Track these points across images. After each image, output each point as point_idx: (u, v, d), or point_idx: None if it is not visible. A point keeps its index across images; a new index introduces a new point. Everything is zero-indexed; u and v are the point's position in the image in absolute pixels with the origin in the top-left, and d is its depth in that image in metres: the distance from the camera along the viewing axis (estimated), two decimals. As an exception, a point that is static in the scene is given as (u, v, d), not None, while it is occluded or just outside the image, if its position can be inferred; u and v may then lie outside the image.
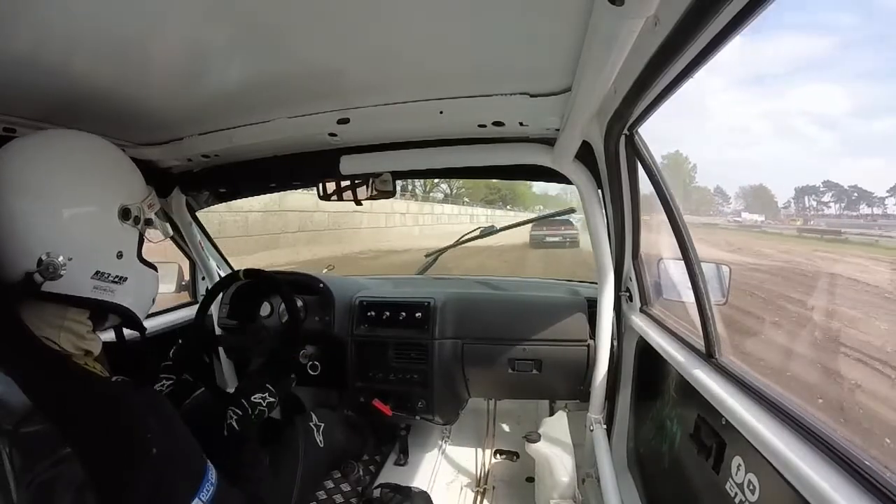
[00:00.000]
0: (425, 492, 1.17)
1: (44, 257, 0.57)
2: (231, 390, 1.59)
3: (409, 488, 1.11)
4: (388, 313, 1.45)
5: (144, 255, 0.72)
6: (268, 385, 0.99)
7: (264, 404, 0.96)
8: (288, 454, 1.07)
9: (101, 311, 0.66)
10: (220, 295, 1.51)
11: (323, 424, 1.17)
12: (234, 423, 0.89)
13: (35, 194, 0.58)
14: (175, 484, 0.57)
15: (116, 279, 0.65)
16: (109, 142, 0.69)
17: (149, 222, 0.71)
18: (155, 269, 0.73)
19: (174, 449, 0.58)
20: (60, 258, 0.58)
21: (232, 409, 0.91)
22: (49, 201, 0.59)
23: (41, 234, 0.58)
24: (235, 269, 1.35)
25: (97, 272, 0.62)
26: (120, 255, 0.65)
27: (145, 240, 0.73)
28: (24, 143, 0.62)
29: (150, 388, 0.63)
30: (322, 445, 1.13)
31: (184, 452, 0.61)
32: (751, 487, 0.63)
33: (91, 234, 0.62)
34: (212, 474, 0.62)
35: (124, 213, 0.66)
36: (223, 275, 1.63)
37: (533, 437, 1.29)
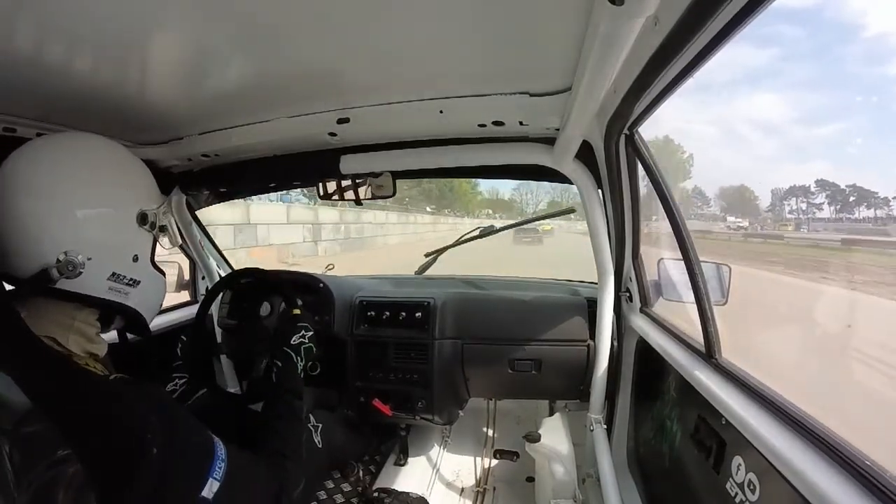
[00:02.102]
0: (423, 497, 1.16)
1: (62, 256, 0.57)
2: (232, 391, 1.61)
3: (408, 494, 1.11)
4: (388, 313, 1.45)
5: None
6: (298, 324, 0.97)
7: (307, 340, 0.95)
8: None
9: (110, 313, 0.67)
10: (220, 294, 1.51)
11: (321, 425, 1.16)
12: (275, 376, 0.87)
13: (57, 195, 0.59)
14: (178, 482, 0.57)
15: (131, 282, 0.66)
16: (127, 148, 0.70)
17: (163, 228, 0.72)
18: (164, 274, 0.75)
19: (176, 447, 0.58)
20: (80, 257, 0.58)
21: (274, 363, 0.89)
22: (72, 203, 0.59)
23: (61, 233, 0.58)
24: (235, 268, 1.35)
25: (113, 273, 0.63)
26: (136, 259, 0.67)
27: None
28: (47, 145, 0.63)
29: (152, 386, 0.62)
30: (321, 446, 1.13)
31: (187, 447, 0.60)
32: (751, 487, 0.63)
33: (110, 236, 0.63)
34: (221, 450, 0.62)
35: (142, 218, 0.67)
36: (223, 274, 1.63)
37: (533, 436, 1.29)
